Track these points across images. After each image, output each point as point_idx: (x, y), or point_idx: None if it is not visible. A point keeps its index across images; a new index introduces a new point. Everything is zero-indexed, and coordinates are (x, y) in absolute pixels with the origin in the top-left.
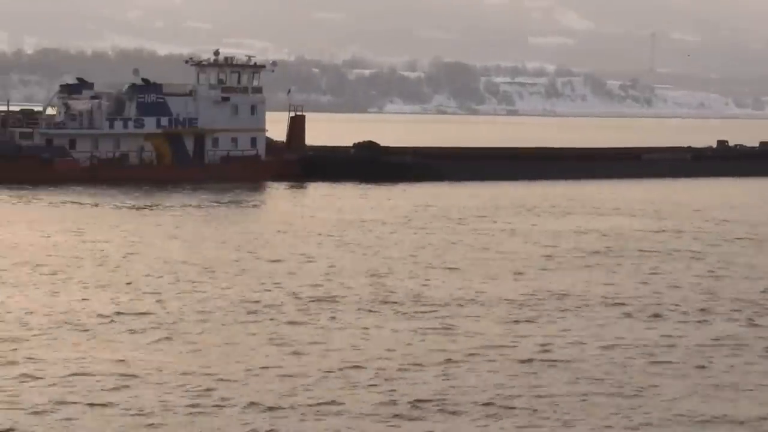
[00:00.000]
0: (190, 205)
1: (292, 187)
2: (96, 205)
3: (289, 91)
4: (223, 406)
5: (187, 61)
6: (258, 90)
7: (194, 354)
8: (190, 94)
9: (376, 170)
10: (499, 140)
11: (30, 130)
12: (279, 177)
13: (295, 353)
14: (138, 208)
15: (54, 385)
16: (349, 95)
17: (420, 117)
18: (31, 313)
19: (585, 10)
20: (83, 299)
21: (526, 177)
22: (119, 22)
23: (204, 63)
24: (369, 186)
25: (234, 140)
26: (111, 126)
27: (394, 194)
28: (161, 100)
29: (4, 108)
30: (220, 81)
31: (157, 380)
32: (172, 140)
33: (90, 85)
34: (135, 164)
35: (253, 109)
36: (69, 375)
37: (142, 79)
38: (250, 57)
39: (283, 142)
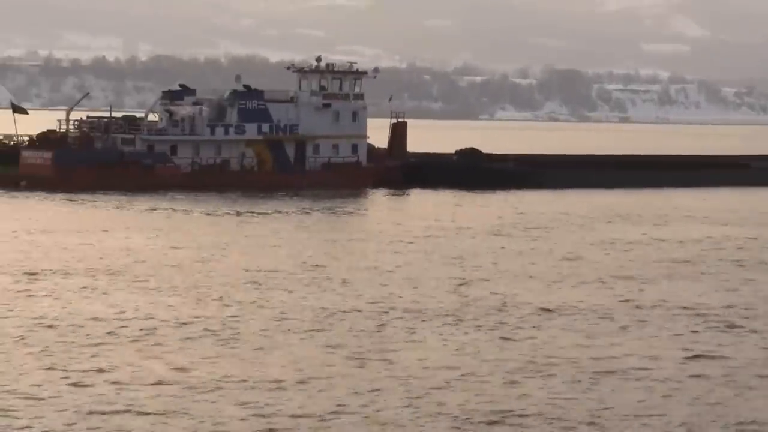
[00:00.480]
0: (289, 212)
1: (392, 194)
2: (192, 211)
3: (390, 98)
4: (277, 415)
5: (288, 68)
6: (359, 96)
7: (260, 364)
8: (292, 100)
9: (477, 177)
10: (608, 148)
11: (132, 136)
12: (380, 184)
13: (363, 362)
14: (236, 215)
15: (122, 389)
16: (461, 102)
17: (531, 124)
18: (106, 319)
19: (700, 16)
20: (161, 306)
21: (630, 185)
22: (232, 29)
23: (306, 69)
24: (469, 193)
25: (335, 147)
26: (212, 132)
27: (493, 202)
28: (262, 107)
29: (107, 114)
30: (322, 87)
31: (218, 390)
32: (273, 147)
33: (192, 92)
34: (236, 170)
35: (354, 115)
36: (135, 383)
37: (244, 86)
38: (351, 63)
39: (384, 148)
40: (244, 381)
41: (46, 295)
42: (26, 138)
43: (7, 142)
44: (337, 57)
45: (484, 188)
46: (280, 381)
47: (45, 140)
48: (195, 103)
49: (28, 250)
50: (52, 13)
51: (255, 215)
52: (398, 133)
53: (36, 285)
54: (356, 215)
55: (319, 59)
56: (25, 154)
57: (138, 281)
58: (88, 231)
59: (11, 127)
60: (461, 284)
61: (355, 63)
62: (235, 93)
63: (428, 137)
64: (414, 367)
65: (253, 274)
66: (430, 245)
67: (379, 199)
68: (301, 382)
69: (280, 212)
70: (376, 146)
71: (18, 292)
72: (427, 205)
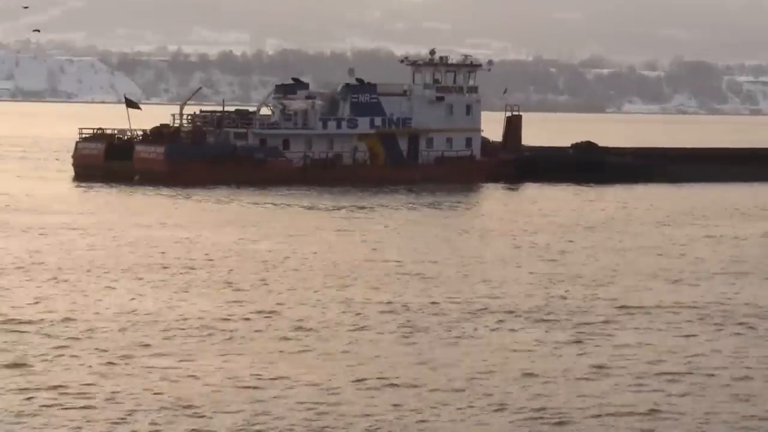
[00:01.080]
0: (401, 206)
1: (505, 188)
2: (303, 205)
3: (505, 91)
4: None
5: (402, 61)
6: (473, 89)
7: (332, 362)
8: (405, 93)
9: (593, 171)
10: (738, 141)
11: (244, 130)
12: (494, 178)
13: (434, 365)
14: (348, 209)
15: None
16: (587, 95)
17: (659, 117)
18: (186, 317)
19: None
20: (266, 301)
21: (755, 179)
22: (359, 23)
23: (419, 63)
24: (584, 187)
25: (448, 140)
26: (324, 126)
27: (607, 195)
28: (375, 100)
29: (219, 108)
30: (436, 81)
31: (282, 391)
32: (385, 140)
33: (305, 86)
34: (348, 165)
35: (468, 108)
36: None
37: (356, 79)
38: (466, 56)
39: (499, 142)
40: (331, 377)
41: (153, 289)
42: (140, 133)
43: (121, 137)
44: (465, 50)
45: (600, 182)
46: (363, 380)
47: (158, 135)
48: (308, 97)
49: (130, 245)
50: (183, 9)
51: (367, 209)
52: (513, 126)
53: (142, 278)
54: (469, 210)
55: (432, 52)
56: (138, 148)
57: (251, 276)
58: (194, 226)
59: (130, 121)
60: (551, 281)
61: (470, 56)
62: (347, 87)
63: (550, 130)
64: (483, 366)
65: (359, 269)
66: (539, 240)
67: (492, 194)
68: (365, 381)
69: (392, 206)
70: (491, 140)
71: (124, 287)
72: (540, 199)
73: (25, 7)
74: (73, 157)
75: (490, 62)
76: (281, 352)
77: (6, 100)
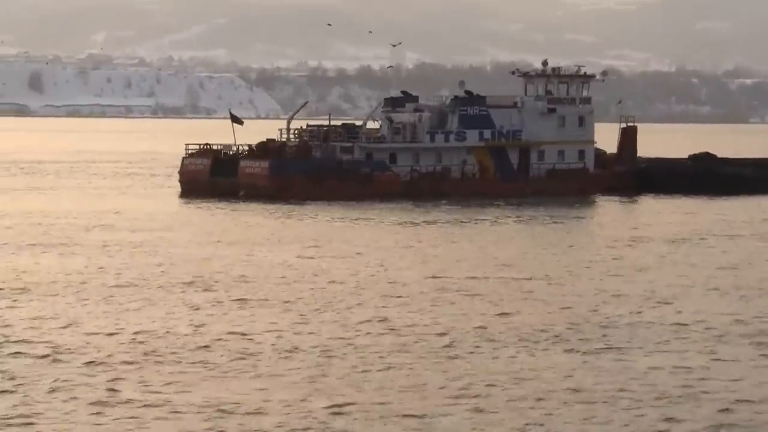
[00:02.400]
0: (512, 220)
1: (620, 201)
2: (411, 220)
3: (619, 102)
4: None
5: (513, 72)
6: (586, 101)
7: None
8: (515, 105)
9: (710, 182)
10: None
11: (351, 144)
12: (608, 191)
13: (485, 387)
14: (456, 223)
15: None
16: (730, 106)
17: None
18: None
19: None
20: (372, 312)
21: None
22: (499, 36)
23: (531, 74)
24: (700, 199)
25: (561, 153)
26: (432, 139)
27: (727, 208)
28: (484, 113)
29: (326, 122)
30: (548, 92)
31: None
32: (495, 153)
33: (414, 98)
34: (456, 178)
35: (581, 120)
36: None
37: (465, 92)
38: (579, 67)
39: (614, 154)
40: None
41: (239, 308)
42: (246, 148)
43: (227, 152)
44: (607, 62)
45: (718, 194)
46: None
47: (263, 149)
48: (416, 110)
49: (228, 262)
50: (323, 25)
51: (477, 223)
52: (628, 137)
53: (231, 295)
54: (581, 223)
55: (545, 63)
56: (243, 163)
57: (355, 292)
58: (299, 242)
59: (235, 136)
60: (635, 301)
61: (583, 66)
62: (456, 99)
63: (670, 141)
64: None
65: (466, 283)
66: (650, 254)
67: (606, 207)
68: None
69: (502, 221)
70: (606, 151)
71: (212, 301)
72: (656, 212)
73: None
74: (180, 173)
75: (605, 73)
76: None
77: (147, 117)
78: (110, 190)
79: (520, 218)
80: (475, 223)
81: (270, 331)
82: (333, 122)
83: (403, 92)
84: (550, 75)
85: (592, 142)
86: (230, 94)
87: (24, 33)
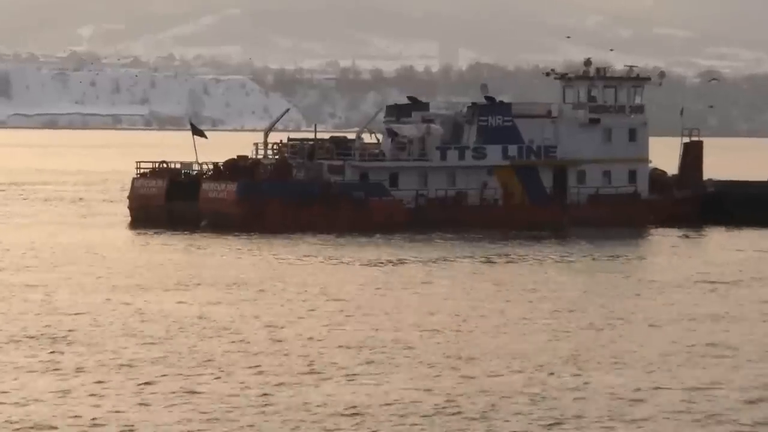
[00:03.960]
0: (542, 258)
1: (682, 234)
2: (416, 258)
3: (681, 111)
4: None
5: (548, 74)
6: (638, 109)
7: None
8: (549, 115)
9: None
10: None
11: (341, 162)
12: (666, 221)
13: None
14: (474, 261)
15: None
16: None
17: None
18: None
19: None
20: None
21: None
22: (576, 30)
23: (570, 76)
24: None
25: (606, 173)
26: (443, 157)
27: None
28: (509, 124)
29: (311, 135)
30: (592, 98)
31: None
32: (523, 174)
33: (424, 106)
34: (474, 205)
35: (631, 133)
36: None
37: (486, 97)
38: (631, 67)
39: (674, 175)
40: None
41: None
42: (210, 166)
43: (187, 171)
44: (705, 61)
45: None
46: None
47: (232, 169)
48: (425, 120)
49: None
50: (361, 16)
51: (499, 262)
52: (692, 155)
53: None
54: (633, 263)
55: (588, 63)
56: (205, 186)
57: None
58: (222, 286)
59: (196, 152)
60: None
61: (636, 66)
62: (474, 107)
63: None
64: None
65: (498, 326)
66: (728, 302)
67: (664, 242)
68: None
69: (533, 258)
70: (665, 172)
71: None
72: (726, 248)
73: None
74: (129, 197)
75: (662, 74)
76: None
77: (139, 129)
78: (36, 218)
79: (554, 257)
80: (493, 265)
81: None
82: (323, 135)
83: (410, 98)
84: (593, 77)
85: (646, 160)
86: (240, 101)
87: None
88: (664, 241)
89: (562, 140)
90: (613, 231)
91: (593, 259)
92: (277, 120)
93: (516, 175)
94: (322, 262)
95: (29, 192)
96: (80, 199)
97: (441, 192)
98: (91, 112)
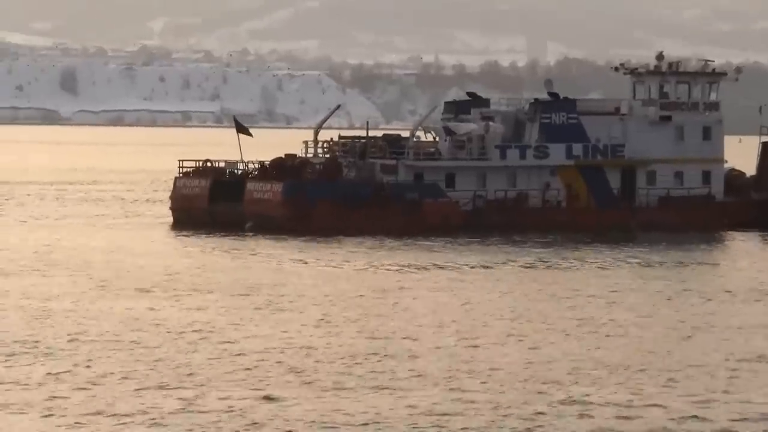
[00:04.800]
0: (608, 264)
1: (760, 239)
2: (475, 265)
3: (761, 109)
4: None
5: (617, 69)
6: (713, 106)
7: None
8: (617, 112)
9: None
10: None
11: (394, 161)
12: (743, 225)
13: None
14: (538, 267)
15: None
16: None
17: None
18: None
19: None
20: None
21: None
22: (672, 24)
23: (641, 71)
24: None
25: (677, 174)
26: (503, 156)
27: None
28: (574, 121)
29: (363, 133)
30: (663, 94)
31: None
32: (588, 175)
33: (484, 102)
34: (536, 207)
35: (705, 131)
36: None
37: (549, 93)
38: (706, 62)
39: (752, 176)
40: None
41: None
42: (255, 165)
43: (232, 170)
44: None
45: None
46: None
47: (279, 168)
48: (484, 118)
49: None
50: (446, 9)
51: (561, 268)
52: None
53: None
54: (706, 270)
55: (660, 57)
56: (250, 186)
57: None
58: (232, 292)
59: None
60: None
61: (711, 60)
62: (536, 103)
63: None
64: None
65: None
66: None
67: (739, 247)
68: None
69: (599, 263)
70: (742, 172)
71: None
72: None
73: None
74: (171, 197)
75: (738, 69)
76: None
77: (209, 126)
78: (71, 220)
79: (622, 263)
80: (556, 270)
81: None
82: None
83: (469, 94)
84: (665, 72)
85: (722, 160)
86: (316, 97)
87: (63, 20)
88: (740, 247)
89: (630, 139)
90: (684, 236)
91: (662, 265)
92: (328, 117)
93: (581, 176)
94: (362, 269)
95: (71, 191)
96: (135, 200)
97: (500, 193)
98: (160, 108)
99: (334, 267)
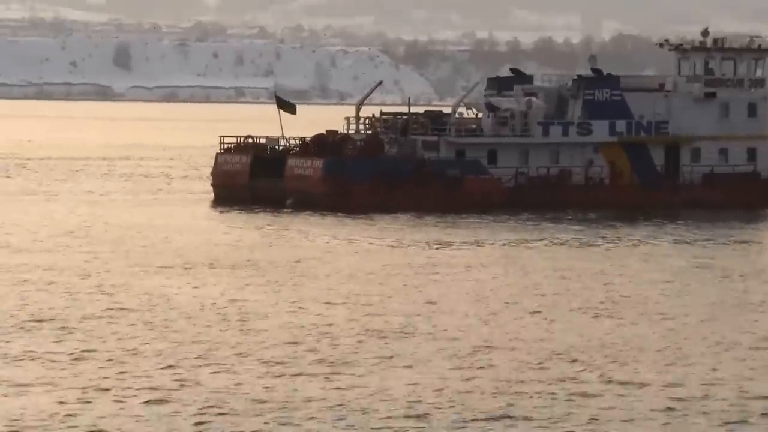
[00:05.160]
0: (652, 242)
1: None
2: (520, 241)
3: None
4: None
5: (661, 45)
6: (760, 83)
7: None
8: (661, 88)
9: None
10: None
11: (436, 138)
12: None
13: None
14: (583, 244)
15: None
16: None
17: None
18: None
19: None
20: None
21: None
22: (732, 1)
23: (686, 47)
24: None
25: (722, 151)
26: (545, 132)
27: None
28: (618, 98)
29: (405, 109)
30: (708, 71)
31: None
32: (632, 152)
33: (527, 78)
34: (579, 184)
35: (751, 108)
36: None
37: (593, 69)
38: (752, 38)
39: None
40: None
41: None
42: (297, 142)
43: (273, 146)
44: None
45: None
46: None
47: (320, 144)
48: (527, 94)
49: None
50: None
51: (604, 247)
52: None
53: None
54: (751, 249)
55: (705, 33)
56: (291, 163)
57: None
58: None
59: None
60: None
61: (758, 36)
62: (580, 79)
63: None
64: None
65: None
66: None
67: None
68: None
69: (643, 241)
70: None
71: None
72: None
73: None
74: (212, 174)
75: None
76: None
77: (262, 102)
78: (114, 195)
79: (664, 240)
80: (599, 248)
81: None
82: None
83: (512, 70)
84: (710, 48)
85: (767, 137)
86: (370, 73)
87: None
88: None
89: (674, 115)
90: (729, 213)
91: (705, 245)
92: (370, 92)
93: (624, 153)
94: (406, 245)
95: (120, 166)
96: (184, 176)
97: (543, 170)
98: (213, 84)
99: (370, 244)
